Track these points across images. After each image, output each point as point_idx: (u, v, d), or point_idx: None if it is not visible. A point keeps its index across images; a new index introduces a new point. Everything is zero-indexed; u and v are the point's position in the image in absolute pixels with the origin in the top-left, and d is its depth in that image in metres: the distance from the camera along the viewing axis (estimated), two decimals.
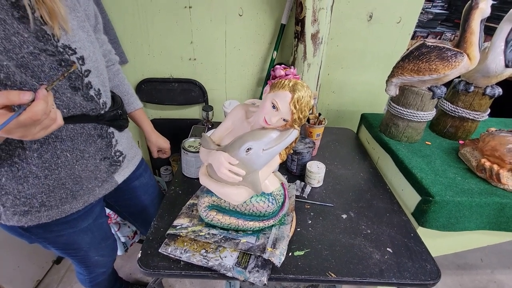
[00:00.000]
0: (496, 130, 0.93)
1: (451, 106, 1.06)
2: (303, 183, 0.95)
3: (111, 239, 0.95)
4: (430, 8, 2.53)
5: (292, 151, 0.67)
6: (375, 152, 1.16)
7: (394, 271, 0.69)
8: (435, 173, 0.89)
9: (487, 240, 0.93)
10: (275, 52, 1.36)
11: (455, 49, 0.86)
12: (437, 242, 0.92)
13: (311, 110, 0.58)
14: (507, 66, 0.89)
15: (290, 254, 0.72)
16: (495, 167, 0.84)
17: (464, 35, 0.84)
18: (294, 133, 0.59)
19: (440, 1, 2.53)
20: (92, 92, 0.66)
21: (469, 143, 0.97)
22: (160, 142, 1.07)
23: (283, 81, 0.56)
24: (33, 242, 0.77)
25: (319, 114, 1.04)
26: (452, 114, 1.07)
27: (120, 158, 0.81)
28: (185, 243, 0.69)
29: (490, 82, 0.97)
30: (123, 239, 1.32)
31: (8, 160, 0.60)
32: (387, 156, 1.06)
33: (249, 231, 0.72)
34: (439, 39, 2.32)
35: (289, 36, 1.35)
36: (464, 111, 1.04)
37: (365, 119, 1.27)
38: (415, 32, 2.52)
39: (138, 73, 1.45)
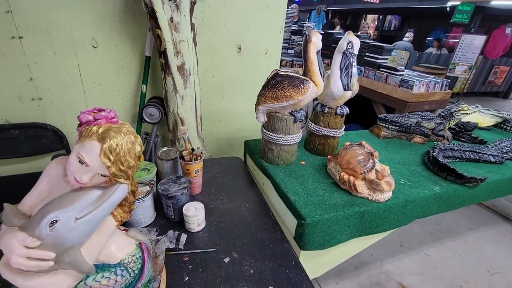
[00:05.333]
0: (349, 144, 1.05)
1: (315, 126, 1.17)
2: (177, 232, 0.82)
3: None
4: (301, 41, 2.95)
5: (135, 207, 0.55)
6: (260, 178, 1.15)
7: None
8: (307, 193, 0.93)
9: (361, 245, 1.01)
10: (144, 86, 1.24)
11: (303, 77, 0.94)
12: (321, 260, 0.94)
13: (139, 158, 0.47)
14: (345, 89, 1.03)
15: None
16: (352, 178, 0.93)
17: (306, 65, 0.93)
18: (121, 189, 0.48)
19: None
20: None
21: (332, 159, 1.07)
22: None
23: (90, 128, 0.44)
24: None
25: (193, 150, 0.97)
26: (317, 133, 1.17)
27: None
28: None
29: (338, 103, 1.11)
30: None
31: None
32: (268, 181, 1.06)
33: None
34: None
35: (158, 68, 1.27)
36: (325, 130, 1.15)
37: (248, 146, 1.26)
38: (292, 61, 2.86)
39: None
